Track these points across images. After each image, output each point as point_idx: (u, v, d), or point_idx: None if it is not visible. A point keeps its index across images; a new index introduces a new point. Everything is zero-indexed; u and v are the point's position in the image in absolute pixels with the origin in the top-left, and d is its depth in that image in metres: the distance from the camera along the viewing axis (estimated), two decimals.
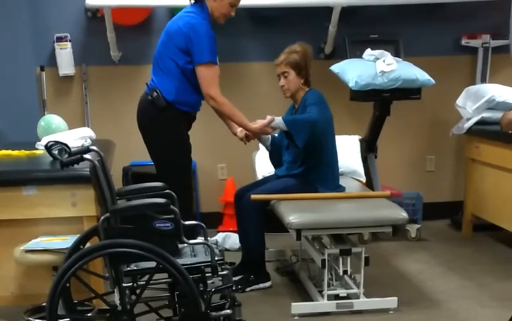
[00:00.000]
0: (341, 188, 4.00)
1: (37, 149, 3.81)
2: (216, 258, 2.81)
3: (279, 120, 3.80)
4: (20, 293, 3.28)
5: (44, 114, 4.88)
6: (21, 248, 3.04)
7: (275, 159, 4.14)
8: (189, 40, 3.54)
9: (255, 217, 3.92)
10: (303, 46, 3.98)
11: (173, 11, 4.92)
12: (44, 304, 3.10)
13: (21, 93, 4.87)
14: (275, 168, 4.18)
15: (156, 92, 3.60)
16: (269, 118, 3.80)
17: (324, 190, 3.90)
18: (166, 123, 3.64)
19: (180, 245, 2.85)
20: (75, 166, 2.81)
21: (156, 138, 3.70)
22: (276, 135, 4.06)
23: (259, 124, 3.80)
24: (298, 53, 3.92)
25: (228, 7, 3.65)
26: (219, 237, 4.77)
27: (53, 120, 4.20)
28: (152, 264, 2.66)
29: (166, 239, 2.72)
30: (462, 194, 5.25)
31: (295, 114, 4.00)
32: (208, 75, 3.56)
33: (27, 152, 3.72)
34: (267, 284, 3.99)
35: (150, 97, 3.63)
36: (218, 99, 3.61)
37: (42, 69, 5.04)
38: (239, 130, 3.92)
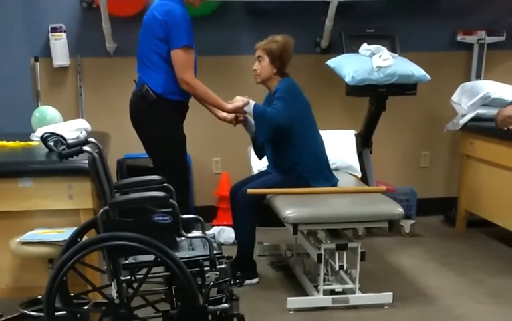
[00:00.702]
0: (334, 180, 4.00)
1: (32, 140, 3.78)
2: (214, 252, 2.81)
3: (252, 105, 3.83)
4: (15, 286, 3.24)
5: (38, 105, 4.86)
6: (17, 240, 3.01)
7: (259, 148, 4.11)
8: (166, 27, 3.54)
9: (249, 213, 3.93)
10: (285, 38, 3.99)
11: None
12: (39, 297, 3.11)
13: (15, 83, 4.84)
14: (258, 157, 4.18)
15: (145, 87, 3.62)
16: (244, 100, 3.82)
17: (315, 183, 3.90)
18: (159, 116, 3.64)
19: (177, 239, 2.84)
20: (73, 158, 2.79)
21: (150, 132, 3.71)
22: None
23: (234, 104, 3.82)
24: (278, 43, 3.94)
25: None
26: (214, 230, 4.76)
27: (47, 112, 4.16)
28: (151, 257, 2.65)
29: (165, 232, 2.70)
30: (456, 191, 5.28)
31: (270, 102, 3.98)
32: (184, 60, 3.57)
33: (22, 143, 3.68)
34: (254, 281, 3.99)
35: (140, 93, 3.65)
36: (192, 82, 3.61)
37: (36, 59, 5.00)
38: (225, 114, 3.91)
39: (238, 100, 3.85)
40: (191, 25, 3.60)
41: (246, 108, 3.84)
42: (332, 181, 4.01)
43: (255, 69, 3.99)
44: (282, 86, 3.93)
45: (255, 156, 4.21)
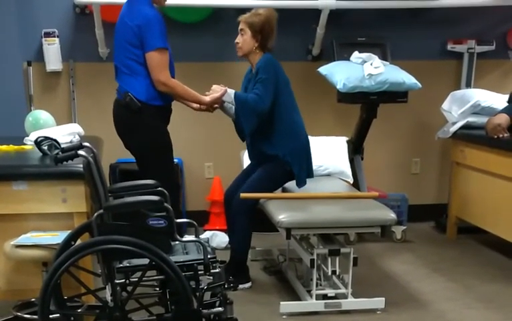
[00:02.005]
0: (311, 170, 4.00)
1: (25, 144, 3.78)
2: (208, 256, 2.82)
3: (231, 93, 3.83)
4: (9, 289, 3.23)
5: (31, 109, 4.85)
6: (11, 243, 3.00)
7: (240, 128, 4.07)
8: (139, 31, 3.54)
9: (244, 218, 3.93)
10: (269, 11, 3.96)
11: (161, 8, 4.92)
12: (33, 300, 3.11)
13: (8, 87, 4.82)
14: (241, 138, 4.12)
15: (129, 95, 3.62)
16: (222, 89, 3.83)
17: (296, 168, 3.89)
18: (145, 123, 3.66)
19: (172, 243, 2.85)
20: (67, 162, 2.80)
21: (137, 140, 3.73)
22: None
23: (212, 95, 3.82)
24: (260, 16, 3.91)
25: None
26: (206, 235, 4.76)
27: (40, 116, 4.16)
28: (145, 261, 2.66)
29: (159, 236, 2.72)
30: (446, 197, 5.33)
31: (251, 79, 3.96)
32: (159, 61, 3.56)
33: (16, 147, 3.68)
34: (247, 285, 4.00)
35: (123, 102, 3.65)
36: (169, 83, 3.61)
37: (29, 64, 5.00)
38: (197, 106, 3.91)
39: (216, 90, 3.84)
40: (164, 25, 3.60)
41: (224, 97, 3.83)
42: (310, 169, 4.00)
43: (237, 43, 3.96)
44: (263, 64, 3.87)
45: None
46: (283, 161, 3.88)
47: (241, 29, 3.93)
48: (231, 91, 3.85)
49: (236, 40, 3.96)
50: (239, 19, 3.98)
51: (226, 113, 4.01)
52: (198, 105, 3.90)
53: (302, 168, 3.93)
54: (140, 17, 3.55)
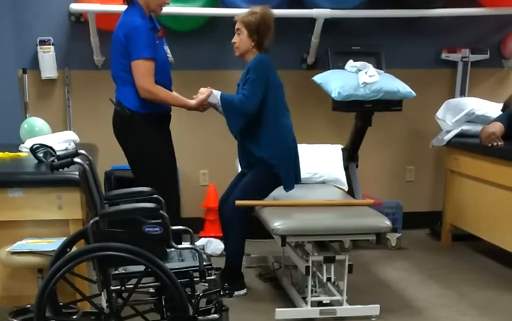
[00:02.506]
0: (298, 175, 4.00)
1: (20, 151, 3.78)
2: (204, 263, 2.83)
3: (216, 94, 3.83)
4: (4, 295, 3.24)
5: (26, 117, 4.86)
6: (7, 250, 3.01)
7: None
8: (126, 40, 3.58)
9: (237, 225, 3.94)
10: (264, 10, 3.93)
11: (158, 17, 4.94)
12: (28, 306, 3.11)
13: (3, 95, 4.81)
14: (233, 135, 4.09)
15: (120, 105, 3.68)
16: (207, 91, 3.83)
17: (283, 172, 3.88)
18: (135, 131, 3.70)
19: (167, 250, 2.85)
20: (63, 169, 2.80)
21: (129, 148, 3.78)
22: None
23: (197, 98, 3.83)
24: (255, 14, 3.88)
25: None
26: (201, 242, 4.76)
27: (36, 123, 4.18)
28: (141, 268, 2.66)
29: (155, 243, 2.72)
30: (440, 205, 5.36)
31: (243, 78, 3.95)
32: (143, 69, 3.59)
33: (11, 154, 3.69)
34: (242, 292, 4.01)
35: (116, 111, 3.72)
36: (152, 89, 3.62)
37: (24, 71, 5.01)
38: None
39: (202, 92, 3.84)
40: (151, 35, 3.63)
41: (210, 99, 3.83)
42: (298, 174, 3.99)
43: (234, 42, 3.95)
44: (254, 64, 3.86)
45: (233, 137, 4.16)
46: (269, 164, 3.87)
47: (237, 29, 3.93)
48: (217, 93, 3.85)
49: (233, 40, 3.96)
50: (235, 18, 3.98)
51: (219, 112, 4.00)
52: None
53: (289, 172, 3.92)
54: (127, 26, 3.60)
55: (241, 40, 3.91)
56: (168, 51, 3.87)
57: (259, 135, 3.88)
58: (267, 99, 3.85)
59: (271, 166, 3.88)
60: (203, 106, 3.87)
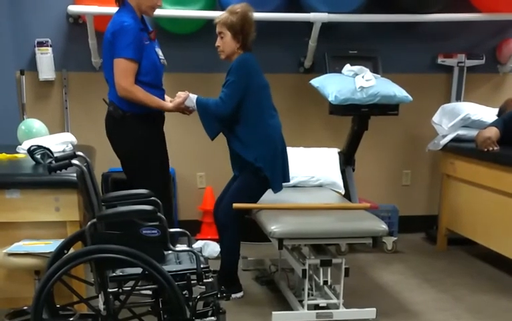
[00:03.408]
0: (287, 177, 3.98)
1: (18, 153, 3.78)
2: (201, 265, 2.84)
3: (193, 98, 3.83)
4: (1, 297, 3.22)
5: (23, 118, 4.86)
6: (4, 251, 3.01)
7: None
8: (112, 38, 3.62)
9: (231, 229, 3.94)
10: (244, 7, 3.85)
11: (155, 19, 4.95)
12: (25, 308, 3.11)
13: (1, 96, 4.81)
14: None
15: (113, 106, 3.72)
16: (184, 94, 3.83)
17: (271, 174, 3.85)
18: (126, 132, 3.73)
19: (165, 252, 2.86)
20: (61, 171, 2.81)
21: (121, 148, 3.82)
22: None
23: (174, 101, 3.83)
24: (237, 14, 3.80)
25: None
26: (198, 245, 4.77)
27: (33, 125, 4.17)
28: (138, 270, 2.66)
29: (152, 245, 2.73)
30: (436, 209, 5.38)
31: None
32: (124, 68, 3.62)
33: (9, 155, 3.69)
34: (238, 295, 4.01)
35: (108, 111, 3.77)
36: (130, 88, 3.64)
37: (22, 73, 5.01)
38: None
39: (179, 96, 3.84)
40: (139, 36, 3.64)
41: (187, 102, 3.83)
42: (286, 174, 3.96)
43: (218, 46, 3.88)
44: (235, 65, 3.79)
45: None
46: (256, 167, 3.85)
47: (220, 32, 3.85)
48: (193, 97, 3.84)
49: (217, 44, 3.89)
50: (215, 21, 3.90)
51: None
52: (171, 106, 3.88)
53: (276, 174, 3.89)
54: (116, 24, 3.64)
55: (225, 43, 3.85)
56: (160, 53, 3.88)
57: (245, 137, 3.86)
58: (251, 101, 3.81)
59: (257, 169, 3.86)
60: (182, 109, 3.87)
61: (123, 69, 3.61)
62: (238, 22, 3.79)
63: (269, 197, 4.00)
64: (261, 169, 3.85)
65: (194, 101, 3.84)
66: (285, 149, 3.99)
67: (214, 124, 3.84)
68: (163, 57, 3.88)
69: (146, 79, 3.70)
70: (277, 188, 3.93)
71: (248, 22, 3.82)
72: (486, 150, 4.43)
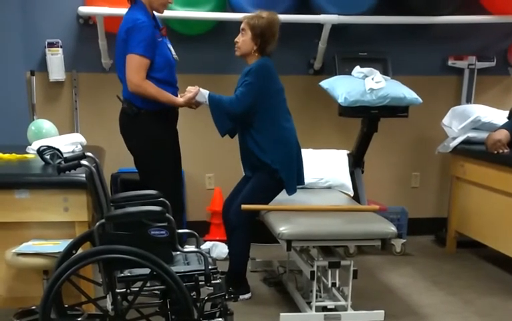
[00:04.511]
0: (301, 179, 4.00)
1: (27, 153, 3.80)
2: (209, 267, 2.84)
3: (204, 93, 3.83)
4: (10, 296, 3.25)
5: (33, 119, 4.88)
6: (13, 251, 3.02)
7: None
8: (126, 35, 3.63)
9: (241, 230, 3.95)
10: (271, 16, 3.89)
11: (166, 20, 4.96)
12: (33, 307, 3.12)
13: (11, 96, 4.85)
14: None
15: (127, 103, 3.73)
16: (194, 89, 3.83)
17: (286, 176, 3.87)
18: (141, 129, 3.74)
19: (173, 253, 2.86)
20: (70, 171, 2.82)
21: (134, 145, 3.82)
22: None
23: (185, 96, 3.83)
24: (262, 19, 3.84)
25: None
26: (206, 246, 4.78)
27: (43, 125, 4.19)
28: (146, 271, 2.67)
29: (161, 246, 2.73)
30: (446, 211, 5.36)
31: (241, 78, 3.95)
32: (136, 64, 3.62)
33: (18, 155, 3.71)
34: (246, 296, 4.01)
35: (123, 108, 3.77)
36: (141, 83, 3.64)
37: (32, 73, 5.03)
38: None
39: (190, 91, 3.84)
40: (152, 34, 3.66)
41: (198, 97, 3.83)
42: (300, 176, 4.00)
43: (236, 42, 3.93)
44: (255, 67, 3.83)
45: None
46: (272, 169, 3.87)
47: (242, 29, 3.91)
48: (205, 92, 3.85)
49: (236, 39, 3.94)
50: (242, 18, 3.96)
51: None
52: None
53: (291, 176, 3.92)
54: (129, 21, 3.65)
55: (244, 41, 3.89)
56: (172, 49, 3.90)
57: (261, 140, 3.88)
58: (268, 104, 3.85)
59: (274, 171, 3.88)
60: (192, 104, 3.88)
61: (135, 65, 3.62)
62: (260, 26, 3.84)
63: (277, 198, 4.00)
64: (277, 171, 3.87)
65: (206, 96, 3.85)
66: (300, 152, 4.02)
67: (226, 120, 3.86)
68: (174, 53, 3.91)
69: (161, 76, 3.71)
70: (291, 191, 3.95)
71: (270, 30, 3.86)
72: (496, 152, 4.41)
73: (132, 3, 3.75)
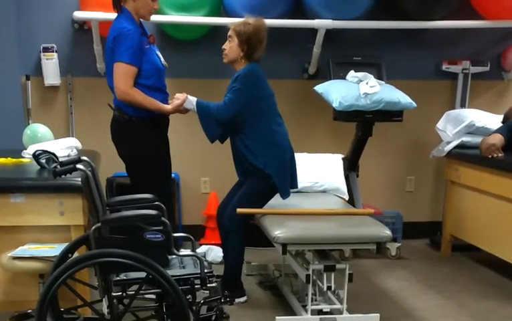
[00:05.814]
0: (295, 183, 4.01)
1: (23, 157, 3.80)
2: (205, 270, 2.85)
3: (192, 100, 3.85)
4: (5, 300, 3.25)
5: (29, 123, 4.88)
6: (9, 255, 3.03)
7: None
8: (113, 44, 3.65)
9: (235, 234, 3.95)
10: (258, 22, 3.89)
11: (160, 25, 4.97)
12: (29, 311, 3.12)
13: (6, 101, 4.84)
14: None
15: (118, 110, 3.75)
16: (182, 96, 3.84)
17: (280, 180, 3.88)
18: (131, 136, 3.75)
19: (169, 256, 2.87)
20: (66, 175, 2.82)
21: (124, 152, 3.83)
22: None
23: (173, 103, 3.84)
24: (248, 26, 3.85)
25: (149, 3, 3.75)
26: (202, 249, 4.79)
27: (38, 129, 4.19)
28: (142, 274, 2.68)
29: (157, 250, 2.74)
30: (440, 215, 5.37)
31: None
32: (124, 72, 3.64)
33: (14, 159, 3.71)
34: (242, 299, 4.02)
35: (114, 115, 3.80)
36: (129, 91, 3.65)
37: (27, 78, 5.04)
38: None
39: (178, 98, 3.86)
40: (139, 41, 3.66)
41: (186, 104, 3.85)
42: (294, 180, 4.01)
43: (224, 49, 3.94)
44: (242, 73, 3.84)
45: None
46: (265, 174, 3.88)
47: (229, 36, 3.92)
48: (193, 99, 3.86)
49: (223, 46, 3.95)
50: (229, 25, 3.97)
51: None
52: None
53: (285, 180, 3.93)
54: (116, 29, 3.67)
55: (231, 48, 3.91)
56: (160, 55, 3.91)
57: (252, 145, 3.89)
58: (257, 110, 3.86)
59: (267, 175, 3.89)
60: (180, 111, 3.89)
61: (122, 73, 3.64)
62: (246, 33, 3.84)
63: (273, 202, 4.01)
64: (270, 176, 3.88)
65: (194, 103, 3.86)
66: (293, 155, 4.03)
67: (214, 126, 3.87)
68: (163, 60, 3.91)
69: (150, 83, 3.72)
70: (285, 195, 3.96)
71: (256, 36, 3.86)
72: (490, 156, 4.43)
73: (118, 11, 3.76)
